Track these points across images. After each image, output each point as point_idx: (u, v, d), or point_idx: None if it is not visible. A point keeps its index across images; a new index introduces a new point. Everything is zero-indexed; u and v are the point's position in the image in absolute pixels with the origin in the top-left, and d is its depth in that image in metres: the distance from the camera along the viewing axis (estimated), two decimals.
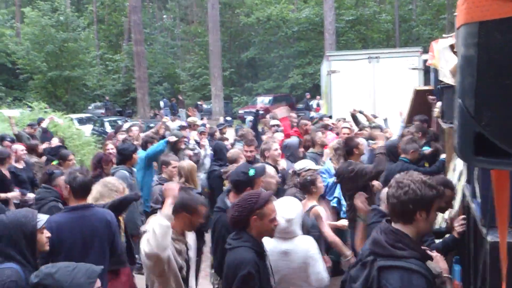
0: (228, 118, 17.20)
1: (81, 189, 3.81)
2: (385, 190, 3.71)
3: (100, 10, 38.73)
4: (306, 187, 4.57)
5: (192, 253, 3.70)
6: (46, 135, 10.85)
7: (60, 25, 28.24)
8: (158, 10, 43.55)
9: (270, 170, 4.99)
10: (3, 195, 6.29)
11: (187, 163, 5.52)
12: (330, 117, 10.98)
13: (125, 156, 6.22)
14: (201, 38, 34.85)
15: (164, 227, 3.01)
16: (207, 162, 8.42)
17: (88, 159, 11.69)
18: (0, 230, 2.81)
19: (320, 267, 3.51)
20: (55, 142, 9.25)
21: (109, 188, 4.46)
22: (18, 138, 9.40)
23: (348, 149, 5.73)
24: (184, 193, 3.47)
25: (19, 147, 7.65)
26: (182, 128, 10.33)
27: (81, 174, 3.84)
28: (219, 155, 7.47)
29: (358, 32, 31.50)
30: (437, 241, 3.78)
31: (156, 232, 2.98)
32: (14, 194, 6.49)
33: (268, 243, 3.39)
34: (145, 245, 3.00)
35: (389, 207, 2.31)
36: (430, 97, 7.34)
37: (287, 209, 3.55)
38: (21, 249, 2.80)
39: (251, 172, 3.92)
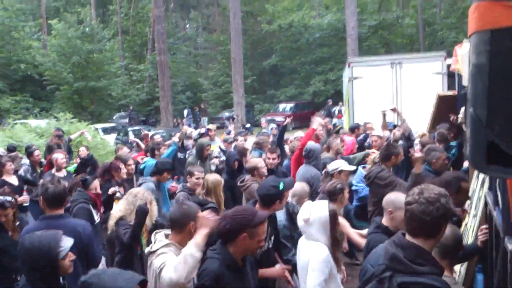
0: (248, 125, 17.19)
1: (53, 199, 3.91)
2: (393, 196, 3.70)
3: (125, 21, 39.40)
4: (333, 195, 4.48)
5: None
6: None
7: (85, 37, 28.82)
8: (181, 19, 44.07)
9: (303, 187, 5.00)
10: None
11: (213, 177, 5.34)
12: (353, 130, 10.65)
13: (158, 170, 6.18)
14: (224, 46, 35.09)
15: (197, 258, 2.91)
16: None
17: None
18: (21, 255, 2.85)
19: (312, 281, 3.35)
20: (83, 152, 9.43)
21: (139, 198, 4.54)
22: (49, 149, 9.65)
23: (387, 154, 5.64)
24: (184, 206, 3.40)
25: (59, 156, 7.73)
26: (202, 135, 10.41)
27: (52, 185, 3.94)
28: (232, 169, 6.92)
29: (381, 37, 31.27)
30: None
31: (188, 263, 2.87)
32: (23, 198, 6.65)
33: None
34: (172, 272, 2.88)
35: (416, 224, 2.22)
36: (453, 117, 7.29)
37: (307, 210, 3.50)
38: (42, 275, 2.81)
39: (281, 186, 3.89)
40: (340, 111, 21.56)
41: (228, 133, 10.86)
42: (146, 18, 38.33)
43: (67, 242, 2.93)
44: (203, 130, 11.05)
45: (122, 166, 6.46)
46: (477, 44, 1.33)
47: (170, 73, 28.36)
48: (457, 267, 4.18)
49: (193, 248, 2.90)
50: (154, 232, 3.30)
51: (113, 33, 35.02)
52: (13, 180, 7.27)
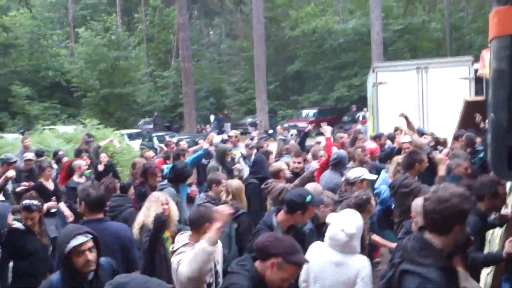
0: (271, 131, 17.21)
1: (96, 203, 3.95)
2: (418, 201, 3.66)
3: (150, 29, 39.96)
4: (361, 207, 4.40)
5: (220, 268, 3.70)
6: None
7: (112, 44, 29.28)
8: (205, 26, 44.48)
9: (317, 187, 4.94)
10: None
11: (235, 182, 5.39)
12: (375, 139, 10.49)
13: (179, 176, 6.15)
14: (247, 52, 35.25)
15: (208, 252, 2.97)
16: None
17: (137, 173, 12.02)
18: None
19: None
20: (104, 158, 9.59)
21: (157, 202, 4.62)
22: (77, 154, 9.87)
23: (410, 161, 5.54)
24: (201, 207, 3.51)
25: (82, 163, 7.99)
26: (224, 142, 10.46)
27: (94, 190, 4.00)
28: (257, 167, 7.05)
29: (407, 41, 30.91)
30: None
31: (199, 257, 2.95)
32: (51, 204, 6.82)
33: (323, 249, 3.39)
34: (185, 267, 2.96)
35: (428, 220, 2.36)
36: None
37: (349, 223, 3.40)
38: (59, 266, 2.99)
39: (308, 198, 3.84)
40: (364, 117, 21.38)
41: (251, 139, 10.89)
42: (170, 25, 38.80)
43: (78, 240, 2.94)
44: (225, 137, 11.10)
45: (159, 174, 6.52)
46: (498, 49, 1.31)
47: (193, 80, 28.61)
48: (483, 275, 4.09)
49: (205, 243, 2.97)
50: (179, 233, 3.43)
51: (139, 41, 35.55)
52: (50, 185, 7.45)
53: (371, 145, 8.44)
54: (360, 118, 22.41)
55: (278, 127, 15.61)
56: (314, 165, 6.23)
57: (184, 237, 3.49)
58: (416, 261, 2.27)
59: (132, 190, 5.91)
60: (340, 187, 5.63)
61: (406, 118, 8.70)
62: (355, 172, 5.46)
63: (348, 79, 30.05)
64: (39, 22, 34.80)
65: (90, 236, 3.01)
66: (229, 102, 35.12)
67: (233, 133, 10.98)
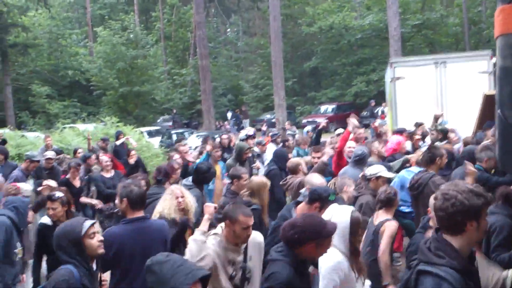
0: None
1: (139, 201, 3.97)
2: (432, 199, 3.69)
3: (167, 27, 40.20)
4: (389, 203, 4.50)
5: (253, 263, 3.73)
6: (122, 147, 11.45)
7: (130, 43, 29.55)
8: (222, 24, 44.58)
9: (317, 180, 4.92)
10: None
11: (259, 178, 5.34)
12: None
13: (203, 178, 6.27)
14: (264, 49, 35.24)
15: (198, 241, 3.19)
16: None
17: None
18: (54, 240, 3.07)
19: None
20: (134, 155, 9.85)
21: (174, 194, 4.73)
22: (104, 151, 10.14)
23: (431, 156, 5.49)
24: (229, 205, 3.62)
25: (104, 158, 8.24)
26: (249, 137, 10.49)
27: (136, 187, 4.01)
28: (279, 162, 7.24)
29: (425, 36, 30.55)
30: None
31: (191, 246, 3.19)
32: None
33: None
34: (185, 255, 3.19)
35: (437, 220, 2.32)
36: None
37: (331, 213, 3.44)
38: (71, 255, 3.00)
39: (332, 196, 3.94)
40: (383, 112, 21.23)
41: (264, 134, 10.95)
42: (187, 23, 38.99)
43: (88, 222, 3.09)
44: (251, 132, 11.09)
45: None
46: (503, 47, 1.34)
47: (211, 77, 28.72)
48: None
49: (197, 232, 3.29)
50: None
51: (156, 39, 35.79)
52: (76, 183, 7.71)
53: (395, 138, 8.34)
54: (379, 113, 22.25)
55: (286, 123, 15.63)
56: (329, 151, 6.33)
57: (220, 227, 3.67)
58: (431, 262, 2.25)
59: (167, 185, 6.19)
60: (357, 183, 5.66)
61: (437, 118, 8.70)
62: (373, 169, 5.46)
63: (366, 74, 29.84)
64: (58, 22, 35.29)
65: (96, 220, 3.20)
66: (247, 99, 35.17)
67: (251, 130, 11.03)
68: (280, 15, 26.40)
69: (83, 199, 7.83)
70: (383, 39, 28.98)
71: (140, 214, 3.96)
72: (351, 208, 3.60)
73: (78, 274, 2.96)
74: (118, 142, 11.61)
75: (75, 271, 2.96)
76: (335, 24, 31.47)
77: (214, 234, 3.46)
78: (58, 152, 10.38)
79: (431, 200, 3.68)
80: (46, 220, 4.84)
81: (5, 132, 15.37)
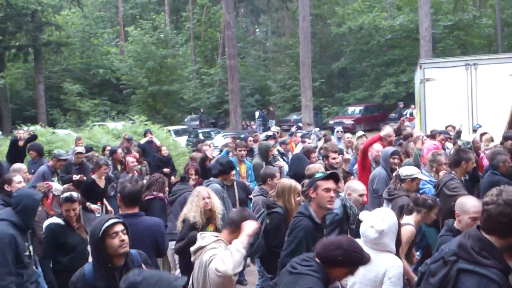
0: (317, 129, 17.11)
1: (130, 198, 4.03)
2: (464, 200, 3.65)
3: (197, 27, 40.55)
4: (420, 206, 4.48)
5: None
6: (150, 145, 11.63)
7: (160, 43, 29.93)
8: (251, 24, 44.70)
9: (358, 186, 4.92)
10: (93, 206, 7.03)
11: (289, 182, 5.15)
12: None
13: (223, 170, 6.30)
14: (292, 49, 35.18)
15: (242, 254, 3.12)
16: None
17: (183, 169, 12.31)
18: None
19: None
20: (165, 151, 10.25)
21: (199, 196, 4.76)
22: (128, 150, 10.30)
23: (457, 159, 5.41)
24: (245, 211, 3.59)
25: (130, 159, 8.44)
26: (268, 138, 10.55)
27: (130, 184, 4.05)
28: (297, 167, 6.92)
29: (457, 38, 29.92)
30: None
31: (235, 257, 3.07)
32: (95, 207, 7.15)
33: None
34: (221, 264, 3.06)
35: (493, 224, 2.32)
36: None
37: (380, 220, 3.39)
38: (93, 254, 3.09)
39: (317, 174, 4.07)
40: (412, 114, 20.92)
41: (292, 135, 10.94)
42: (217, 23, 39.24)
43: (109, 222, 3.07)
44: (270, 133, 11.18)
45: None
46: None
47: (239, 77, 28.84)
48: None
49: (239, 244, 3.13)
50: (200, 233, 3.50)
51: (186, 39, 36.13)
52: (102, 183, 7.77)
53: (430, 144, 8.17)
54: (408, 115, 21.92)
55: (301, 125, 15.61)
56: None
57: (209, 234, 3.54)
58: (476, 261, 2.26)
59: (192, 182, 6.52)
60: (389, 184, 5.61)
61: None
62: (408, 170, 5.38)
63: (395, 76, 29.41)
64: (90, 21, 36.03)
65: (121, 219, 3.17)
66: (274, 99, 35.15)
67: (274, 129, 11.04)
68: (309, 15, 26.32)
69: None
70: (413, 40, 28.51)
71: (133, 210, 4.06)
72: (389, 209, 3.70)
73: (91, 274, 2.99)
74: (142, 141, 11.78)
75: (90, 271, 3.01)
76: (365, 25, 31.12)
77: (217, 240, 3.38)
78: (88, 149, 10.60)
79: (461, 203, 3.64)
80: (57, 220, 4.73)
81: (37, 129, 15.77)
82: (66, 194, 4.76)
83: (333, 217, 4.54)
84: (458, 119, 11.26)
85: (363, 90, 31.38)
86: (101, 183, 7.71)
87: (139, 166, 9.26)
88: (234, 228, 3.40)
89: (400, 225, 3.47)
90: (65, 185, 6.73)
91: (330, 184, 3.91)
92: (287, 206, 4.92)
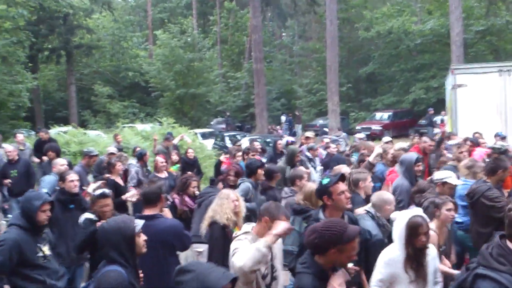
0: (344, 134, 17.02)
1: (145, 198, 4.10)
2: None
3: (224, 31, 40.80)
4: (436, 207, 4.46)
5: (278, 263, 3.78)
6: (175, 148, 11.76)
7: (187, 46, 30.21)
8: (277, 28, 44.75)
9: (387, 196, 4.79)
10: (123, 197, 6.96)
11: (310, 185, 5.17)
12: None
13: (251, 170, 6.52)
14: (319, 54, 35.06)
15: (262, 253, 3.16)
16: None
17: (209, 171, 12.38)
18: (102, 236, 3.06)
19: (372, 277, 3.61)
20: (191, 154, 10.40)
21: (224, 198, 4.78)
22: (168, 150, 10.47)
23: (493, 167, 5.27)
24: (271, 203, 3.65)
25: (160, 159, 8.44)
26: (290, 144, 10.58)
27: (149, 186, 4.12)
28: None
29: (489, 43, 29.30)
30: None
31: (253, 255, 3.12)
32: (131, 193, 7.11)
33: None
34: (239, 259, 3.13)
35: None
36: None
37: (401, 213, 3.62)
38: (121, 252, 3.00)
39: (325, 180, 4.02)
40: (442, 121, 20.54)
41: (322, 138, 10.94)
42: (244, 27, 39.42)
43: (139, 222, 3.13)
44: (290, 140, 11.23)
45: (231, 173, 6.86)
46: None
47: (265, 81, 28.86)
48: None
49: (262, 243, 3.19)
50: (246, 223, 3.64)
51: (213, 43, 36.39)
52: (119, 181, 7.80)
53: (480, 152, 7.98)
54: (438, 122, 21.54)
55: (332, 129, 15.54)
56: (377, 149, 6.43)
57: (248, 226, 3.67)
58: (491, 266, 2.29)
59: (220, 184, 6.47)
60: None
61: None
62: (441, 174, 5.33)
63: (425, 81, 28.95)
64: (120, 25, 36.60)
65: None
66: (300, 103, 35.06)
67: (309, 134, 11.07)
68: (337, 19, 26.16)
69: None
70: (444, 44, 28.04)
71: (152, 211, 4.09)
72: (415, 211, 3.66)
73: (126, 275, 2.98)
74: (175, 141, 11.93)
75: (123, 272, 2.98)
76: (394, 29, 30.78)
77: (245, 233, 3.48)
78: (120, 149, 10.76)
79: None
80: (91, 215, 4.84)
81: (69, 129, 16.09)
82: (99, 191, 4.90)
83: (377, 240, 4.29)
84: (490, 126, 11.02)
85: (391, 96, 31.00)
86: (119, 181, 7.78)
87: (177, 166, 9.37)
88: (259, 219, 3.51)
89: (416, 228, 3.50)
90: (98, 183, 6.87)
91: (342, 186, 3.93)
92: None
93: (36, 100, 31.05)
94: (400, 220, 3.56)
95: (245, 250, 3.20)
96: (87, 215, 4.87)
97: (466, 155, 6.99)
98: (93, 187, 5.84)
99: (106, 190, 4.88)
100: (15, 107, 25.26)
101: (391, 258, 3.54)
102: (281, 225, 3.33)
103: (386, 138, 10.43)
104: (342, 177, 4.02)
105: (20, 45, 26.36)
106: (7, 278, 4.09)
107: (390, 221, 4.19)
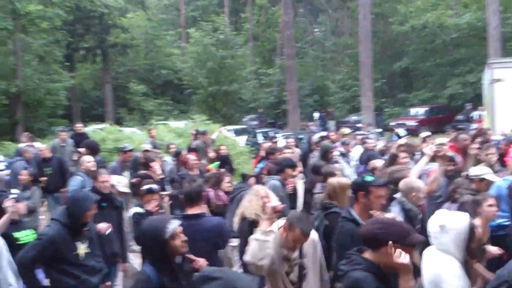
0: (379, 130, 16.79)
1: (187, 198, 4.08)
2: None
3: (256, 28, 40.81)
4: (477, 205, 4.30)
5: (309, 262, 3.76)
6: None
7: (220, 44, 30.38)
8: (309, 24, 44.44)
9: (416, 184, 4.71)
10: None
11: (333, 180, 5.05)
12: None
13: (280, 168, 6.50)
14: (352, 49, 34.64)
15: (260, 241, 3.24)
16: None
17: (242, 168, 12.45)
18: (139, 237, 3.21)
19: None
20: (223, 150, 10.49)
21: (260, 195, 4.78)
22: (194, 149, 10.53)
23: None
24: (298, 213, 3.67)
25: (191, 157, 8.50)
26: (323, 138, 10.55)
27: (189, 184, 4.10)
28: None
29: None
30: None
31: (252, 245, 3.23)
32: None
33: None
34: (247, 253, 3.28)
35: None
36: None
37: (446, 217, 3.25)
38: (154, 254, 3.10)
39: (367, 177, 3.96)
40: (480, 116, 20.01)
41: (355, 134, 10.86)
42: (275, 24, 39.32)
43: (174, 224, 3.13)
44: (324, 133, 11.21)
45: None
46: None
47: (297, 77, 28.74)
48: None
49: (258, 232, 3.33)
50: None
51: (245, 40, 36.47)
52: (156, 177, 7.96)
53: None
54: (476, 118, 20.98)
55: (364, 124, 15.34)
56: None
57: (276, 224, 3.70)
58: None
59: (252, 179, 6.60)
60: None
61: None
62: (478, 170, 5.22)
63: (462, 75, 28.22)
64: (154, 23, 37.12)
65: (180, 220, 3.26)
66: (333, 99, 34.76)
67: (346, 130, 11.04)
68: (370, 14, 25.76)
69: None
70: (481, 38, 27.26)
71: (194, 210, 4.06)
72: (467, 214, 3.44)
73: (156, 275, 3.02)
74: (214, 136, 12.05)
75: (153, 272, 3.03)
76: (429, 23, 30.11)
77: (267, 232, 3.50)
78: (155, 146, 10.92)
79: None
80: (139, 209, 5.05)
81: (105, 127, 16.46)
82: (147, 186, 5.14)
83: None
84: None
85: (427, 91, 30.36)
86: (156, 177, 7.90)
87: (215, 163, 9.44)
88: (286, 227, 3.52)
89: (473, 234, 3.25)
90: (133, 180, 7.03)
91: (383, 191, 3.84)
92: (342, 205, 4.84)
93: (73, 98, 31.93)
94: (454, 227, 3.22)
95: (251, 244, 3.32)
96: (136, 209, 5.13)
97: (494, 157, 6.64)
98: (117, 181, 5.97)
99: (154, 186, 5.09)
100: (53, 105, 26.05)
101: (459, 270, 3.15)
102: (269, 209, 3.46)
103: (426, 133, 10.21)
104: (386, 184, 3.97)
105: (57, 44, 27.21)
106: (45, 270, 4.23)
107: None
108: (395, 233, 2.69)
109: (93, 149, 8.80)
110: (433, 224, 3.27)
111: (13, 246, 4.55)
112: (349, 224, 3.80)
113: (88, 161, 7.21)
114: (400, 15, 32.85)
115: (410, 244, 2.70)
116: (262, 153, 9.30)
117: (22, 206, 5.02)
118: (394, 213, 4.25)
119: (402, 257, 2.63)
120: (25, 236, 4.85)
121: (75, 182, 6.86)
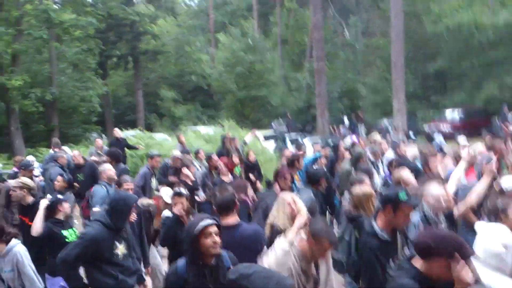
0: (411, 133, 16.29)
1: (220, 207, 4.04)
2: None
3: (284, 31, 40.63)
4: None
5: (322, 275, 3.78)
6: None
7: (248, 49, 30.33)
8: (339, 25, 43.93)
9: (435, 191, 4.42)
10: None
11: (360, 191, 4.83)
12: None
13: (314, 180, 6.34)
14: (383, 50, 33.99)
15: (284, 251, 3.28)
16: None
17: (270, 175, 12.22)
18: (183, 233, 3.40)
19: None
20: (252, 156, 10.40)
21: (282, 203, 4.64)
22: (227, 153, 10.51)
23: None
24: (319, 223, 3.59)
25: (221, 162, 8.65)
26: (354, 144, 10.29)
27: (219, 193, 4.12)
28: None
29: None
30: None
31: (277, 254, 3.29)
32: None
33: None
34: (265, 261, 3.34)
35: None
36: None
37: (507, 233, 2.98)
38: (186, 249, 3.22)
39: (401, 195, 3.68)
40: None
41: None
42: (304, 26, 39.03)
43: (205, 222, 3.16)
44: (355, 139, 10.96)
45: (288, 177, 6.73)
46: None
47: (326, 80, 28.35)
48: None
49: (284, 241, 3.49)
50: None
51: (273, 44, 36.33)
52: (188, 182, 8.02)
53: None
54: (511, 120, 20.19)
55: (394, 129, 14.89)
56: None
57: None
58: None
59: (276, 186, 6.44)
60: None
61: None
62: (510, 181, 4.83)
63: (499, 77, 27.29)
64: (184, 30, 37.43)
65: (216, 221, 3.25)
66: (364, 103, 34.18)
67: (376, 137, 10.74)
68: (402, 13, 25.19)
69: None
70: None
71: (229, 220, 3.99)
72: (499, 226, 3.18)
73: (184, 270, 3.14)
74: (247, 140, 12.01)
75: (182, 265, 3.17)
76: (464, 22, 29.25)
77: (289, 244, 3.55)
78: (185, 152, 10.89)
79: None
80: (169, 213, 5.38)
81: (136, 133, 16.61)
82: (176, 189, 5.44)
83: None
84: None
85: (462, 93, 29.49)
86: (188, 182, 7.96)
87: (238, 169, 9.34)
88: (309, 235, 3.49)
89: None
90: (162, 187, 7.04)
91: (412, 210, 3.73)
92: (369, 213, 4.64)
93: (106, 105, 32.47)
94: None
95: (272, 252, 3.41)
96: (166, 212, 5.52)
97: None
98: (166, 192, 6.07)
99: (183, 190, 5.35)
100: (87, 112, 26.57)
101: None
102: (300, 221, 3.58)
103: (462, 140, 9.75)
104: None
105: (90, 52, 27.73)
106: (84, 268, 4.35)
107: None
108: (450, 244, 2.63)
109: (116, 158, 8.91)
110: (493, 243, 2.94)
111: (61, 244, 4.72)
112: (372, 241, 3.66)
113: (109, 169, 7.26)
114: (433, 14, 32.04)
115: (464, 256, 2.64)
116: (284, 160, 9.08)
117: (68, 207, 5.55)
118: (414, 221, 4.17)
119: (465, 272, 2.56)
120: (70, 235, 5.25)
121: (98, 194, 6.86)
